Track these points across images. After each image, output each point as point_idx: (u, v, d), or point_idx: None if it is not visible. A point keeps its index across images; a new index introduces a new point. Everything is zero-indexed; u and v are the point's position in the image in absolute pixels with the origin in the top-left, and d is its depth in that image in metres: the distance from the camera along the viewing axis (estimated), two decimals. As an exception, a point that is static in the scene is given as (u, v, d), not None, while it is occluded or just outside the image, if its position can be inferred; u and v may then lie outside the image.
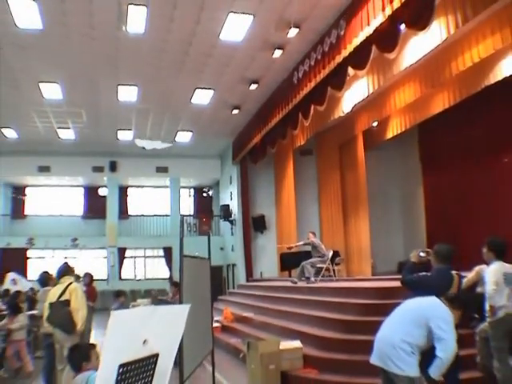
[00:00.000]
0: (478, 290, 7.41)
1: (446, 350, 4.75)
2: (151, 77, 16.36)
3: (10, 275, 17.01)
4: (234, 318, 15.61)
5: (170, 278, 23.22)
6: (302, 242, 16.71)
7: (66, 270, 8.50)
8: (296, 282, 15.08)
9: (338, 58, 12.44)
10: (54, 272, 9.21)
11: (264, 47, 14.32)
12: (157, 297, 12.96)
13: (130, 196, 29.85)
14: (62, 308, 7.76)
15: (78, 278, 11.19)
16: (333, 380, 8.46)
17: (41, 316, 9.13)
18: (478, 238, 7.69)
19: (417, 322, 4.91)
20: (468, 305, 7.46)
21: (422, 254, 6.60)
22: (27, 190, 28.85)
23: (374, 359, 5.13)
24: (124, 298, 12.94)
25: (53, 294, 8.10)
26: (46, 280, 9.78)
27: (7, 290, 14.77)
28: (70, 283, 8.13)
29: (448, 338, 4.77)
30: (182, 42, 14.03)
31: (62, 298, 7.85)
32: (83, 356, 5.27)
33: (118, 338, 2.58)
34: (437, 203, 19.59)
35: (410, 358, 4.80)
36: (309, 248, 15.88)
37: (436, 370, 4.82)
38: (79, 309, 7.87)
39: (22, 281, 17.13)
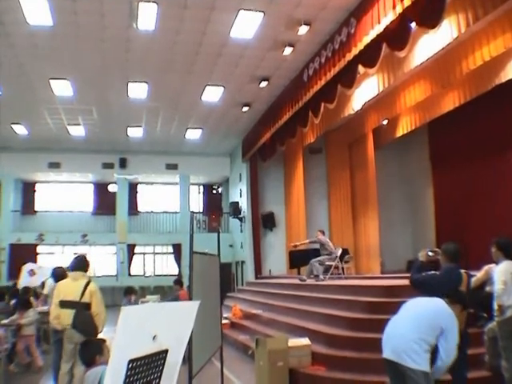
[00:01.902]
0: (487, 289, 7.42)
1: (448, 356, 5.12)
2: (162, 74, 16.38)
3: (27, 266, 16.88)
4: (243, 314, 15.65)
5: (179, 275, 23.28)
6: (307, 241, 16.83)
7: (82, 263, 7.99)
8: (305, 280, 15.13)
9: (349, 56, 12.43)
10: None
11: (274, 45, 14.32)
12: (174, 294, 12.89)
13: (139, 193, 29.91)
14: (84, 312, 7.38)
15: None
16: (341, 377, 8.48)
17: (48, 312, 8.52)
18: (487, 236, 7.69)
19: (434, 328, 5.13)
20: (477, 304, 7.48)
21: (430, 254, 6.63)
22: (37, 186, 28.98)
23: (387, 353, 5.25)
24: (133, 295, 12.75)
25: (64, 290, 7.60)
26: (61, 275, 9.04)
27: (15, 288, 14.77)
28: (88, 282, 7.63)
29: (451, 347, 5.13)
30: (192, 41, 14.03)
31: (83, 300, 7.41)
32: (96, 350, 5.32)
33: (128, 334, 2.61)
34: (446, 202, 19.54)
35: (426, 355, 5.03)
36: (317, 246, 15.92)
37: (438, 372, 5.21)
38: (100, 312, 7.53)
39: (42, 269, 16.76)
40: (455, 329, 5.19)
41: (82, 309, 7.37)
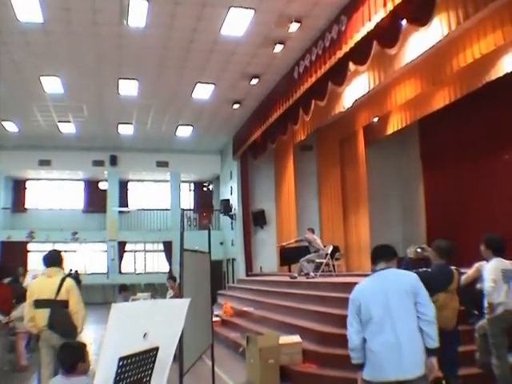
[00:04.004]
0: (478, 286, 7.44)
1: (429, 309, 4.60)
2: (153, 71, 16.34)
3: (31, 271, 16.77)
4: (234, 312, 15.65)
5: (170, 272, 23.28)
6: (293, 240, 16.91)
7: (55, 258, 7.24)
8: (296, 277, 15.15)
9: (339, 54, 12.43)
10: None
11: (265, 42, 14.30)
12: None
13: (130, 190, 29.90)
14: (61, 310, 6.73)
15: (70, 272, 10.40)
16: (332, 375, 8.48)
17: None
18: (477, 234, 7.70)
19: (410, 305, 4.60)
20: (468, 301, 7.50)
21: (418, 250, 6.67)
22: (28, 184, 28.93)
23: (394, 374, 4.49)
24: (126, 292, 12.76)
25: (39, 288, 6.90)
26: None
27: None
28: (64, 278, 6.93)
29: (426, 299, 4.63)
30: (183, 38, 14.01)
31: (59, 298, 6.72)
32: (78, 355, 4.82)
33: (119, 331, 2.60)
34: (437, 199, 19.61)
35: (424, 351, 4.54)
36: (306, 244, 15.95)
37: (430, 335, 4.55)
38: (79, 310, 6.85)
39: None
40: (419, 283, 4.71)
41: (58, 307, 6.73)
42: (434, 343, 4.55)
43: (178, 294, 11.95)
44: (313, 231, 16.24)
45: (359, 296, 4.92)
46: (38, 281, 7.14)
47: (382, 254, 5.10)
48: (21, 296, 11.15)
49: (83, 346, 5.11)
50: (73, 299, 6.85)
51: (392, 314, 4.57)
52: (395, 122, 18.52)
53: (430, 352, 4.58)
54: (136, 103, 19.35)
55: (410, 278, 4.82)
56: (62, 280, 6.90)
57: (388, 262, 5.00)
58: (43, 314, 6.74)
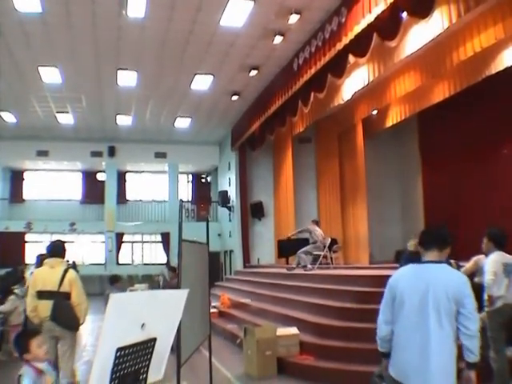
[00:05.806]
0: (476, 279, 7.44)
1: (472, 322, 4.05)
2: (152, 62, 16.28)
3: (31, 266, 16.78)
4: (231, 303, 15.67)
5: (168, 264, 23.29)
6: (296, 231, 16.88)
7: (59, 249, 7.27)
8: (293, 269, 15.16)
9: (339, 46, 12.38)
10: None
11: (264, 34, 14.24)
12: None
13: (128, 181, 29.89)
14: (64, 302, 6.72)
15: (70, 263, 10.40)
16: (329, 367, 8.50)
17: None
18: (475, 228, 7.72)
19: (448, 312, 4.06)
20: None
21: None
22: (26, 175, 28.91)
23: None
24: (119, 283, 12.65)
25: (42, 279, 6.92)
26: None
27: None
28: (66, 270, 6.94)
29: (471, 310, 4.06)
30: (182, 29, 13.94)
31: (61, 290, 6.74)
32: (23, 348, 4.87)
33: (117, 322, 2.59)
34: (435, 193, 19.60)
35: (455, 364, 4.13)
36: (306, 235, 15.94)
37: (470, 350, 4.10)
38: (81, 302, 6.85)
39: None
40: (467, 289, 4.10)
41: (60, 299, 6.73)
42: (475, 357, 4.11)
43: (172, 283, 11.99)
44: (316, 223, 16.18)
45: (397, 284, 4.36)
46: (41, 271, 7.12)
47: (435, 241, 4.38)
48: (8, 291, 11.23)
49: (34, 334, 5.07)
50: (75, 291, 6.86)
51: (427, 319, 4.06)
52: (394, 115, 18.50)
53: (468, 365, 4.17)
54: (135, 94, 19.29)
55: (457, 282, 4.16)
56: (65, 271, 6.91)
57: (441, 252, 4.33)
58: (46, 305, 6.72)
